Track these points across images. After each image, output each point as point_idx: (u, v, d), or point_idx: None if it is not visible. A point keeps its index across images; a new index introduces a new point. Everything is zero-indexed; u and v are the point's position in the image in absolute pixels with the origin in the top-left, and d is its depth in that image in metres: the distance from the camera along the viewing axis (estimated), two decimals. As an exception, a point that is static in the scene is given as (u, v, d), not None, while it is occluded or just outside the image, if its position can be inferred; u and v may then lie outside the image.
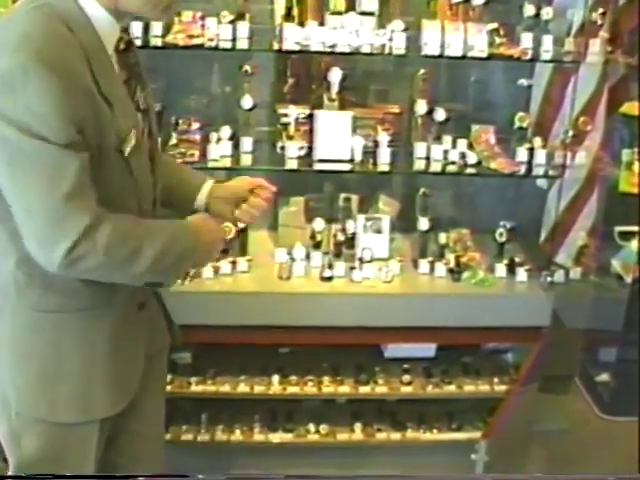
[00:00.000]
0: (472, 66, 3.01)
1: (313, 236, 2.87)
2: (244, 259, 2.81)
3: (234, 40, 2.61)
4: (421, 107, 2.84)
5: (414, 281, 2.83)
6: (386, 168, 2.81)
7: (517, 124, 2.89)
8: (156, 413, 1.93)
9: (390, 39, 2.65)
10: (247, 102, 2.73)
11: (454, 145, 2.85)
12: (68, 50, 1.42)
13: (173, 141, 2.74)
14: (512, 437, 2.80)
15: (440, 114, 2.83)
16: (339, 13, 2.68)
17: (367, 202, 3.05)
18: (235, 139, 2.76)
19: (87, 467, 1.70)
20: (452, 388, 2.91)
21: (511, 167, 2.83)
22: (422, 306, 2.74)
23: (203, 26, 2.61)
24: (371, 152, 2.80)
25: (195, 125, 2.77)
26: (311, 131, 2.78)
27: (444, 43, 2.68)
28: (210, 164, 2.72)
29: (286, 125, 2.78)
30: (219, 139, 2.74)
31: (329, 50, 2.65)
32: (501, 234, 2.93)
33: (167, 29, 2.59)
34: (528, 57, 2.73)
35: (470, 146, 2.88)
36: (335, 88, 2.78)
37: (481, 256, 2.92)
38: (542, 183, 3.04)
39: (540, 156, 2.85)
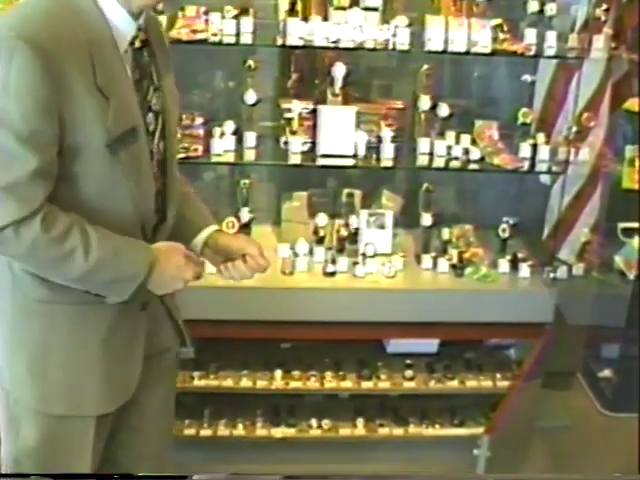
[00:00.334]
0: (476, 62, 3.01)
1: (316, 231, 2.87)
2: (247, 254, 2.80)
3: (238, 35, 2.61)
4: (424, 103, 2.84)
5: (417, 277, 2.83)
6: (389, 163, 2.81)
7: (520, 120, 2.89)
8: (158, 412, 1.88)
9: (394, 34, 2.66)
10: (251, 97, 2.74)
11: (457, 141, 2.86)
12: (65, 40, 1.43)
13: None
14: (514, 433, 2.80)
15: (443, 110, 2.84)
16: (343, 8, 2.68)
17: (370, 197, 3.04)
18: (238, 134, 2.76)
19: (84, 461, 1.69)
20: (455, 384, 2.92)
21: (514, 163, 2.83)
22: (425, 302, 2.74)
23: (207, 21, 2.62)
24: (374, 147, 2.81)
25: (199, 120, 2.77)
26: (314, 126, 2.78)
27: (448, 39, 2.68)
28: (213, 159, 2.74)
29: (289, 120, 2.78)
30: (222, 134, 2.75)
31: (333, 45, 2.66)
32: (504, 230, 2.93)
33: (171, 24, 2.59)
34: (532, 53, 2.73)
35: (473, 142, 2.88)
36: (339, 83, 2.79)
37: (484, 252, 2.92)
38: (545, 179, 3.04)
39: (543, 152, 2.85)
